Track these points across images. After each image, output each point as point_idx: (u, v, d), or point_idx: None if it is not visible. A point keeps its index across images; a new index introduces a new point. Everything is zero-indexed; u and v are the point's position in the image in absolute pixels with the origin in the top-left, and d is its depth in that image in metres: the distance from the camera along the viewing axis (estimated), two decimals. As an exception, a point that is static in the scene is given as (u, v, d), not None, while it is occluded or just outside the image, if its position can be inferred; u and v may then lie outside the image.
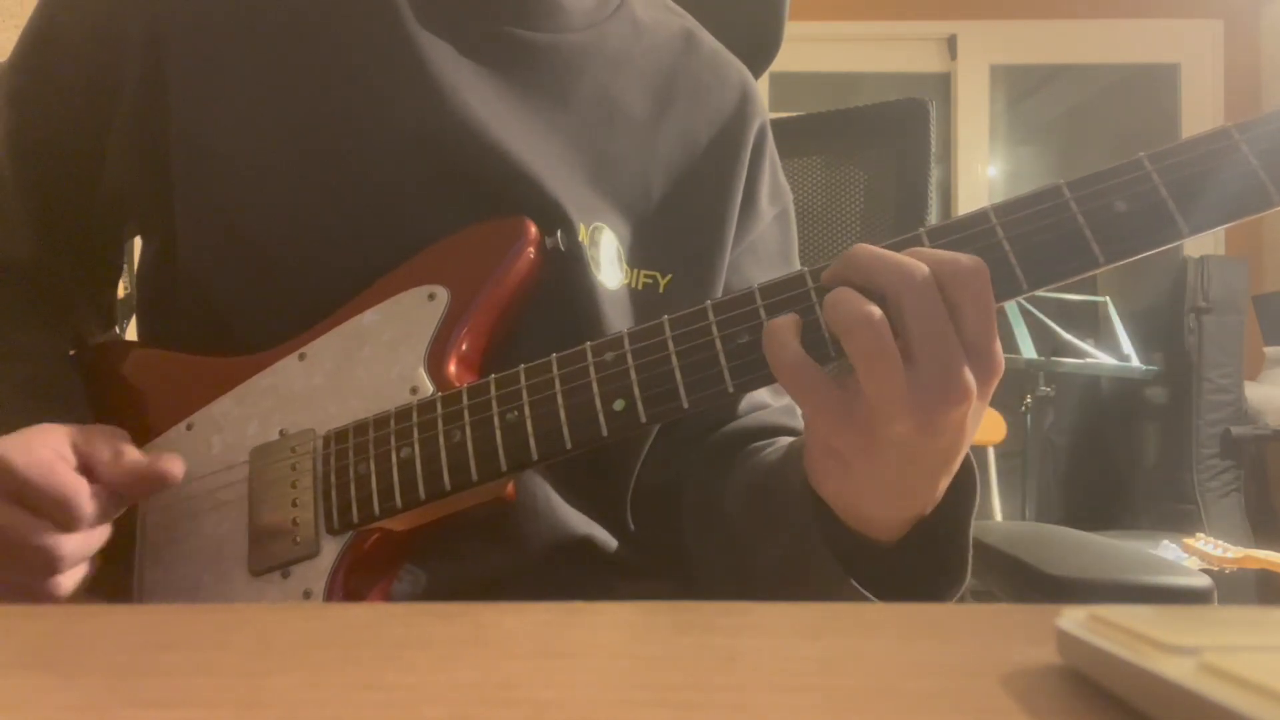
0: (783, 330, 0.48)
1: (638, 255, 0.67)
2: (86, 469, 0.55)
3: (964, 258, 0.46)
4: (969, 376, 0.45)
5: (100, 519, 0.55)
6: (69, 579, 0.55)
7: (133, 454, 0.57)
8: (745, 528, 0.63)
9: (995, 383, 0.46)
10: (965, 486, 0.53)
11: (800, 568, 0.57)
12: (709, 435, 0.70)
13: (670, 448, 0.69)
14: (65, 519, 0.53)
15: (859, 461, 0.48)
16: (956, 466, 0.50)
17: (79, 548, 0.54)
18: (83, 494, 0.54)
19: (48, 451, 0.54)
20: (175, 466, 0.57)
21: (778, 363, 0.48)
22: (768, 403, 0.71)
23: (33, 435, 0.55)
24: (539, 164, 0.64)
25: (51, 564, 0.53)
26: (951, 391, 0.44)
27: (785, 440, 0.68)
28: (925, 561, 0.53)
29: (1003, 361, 0.46)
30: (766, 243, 0.75)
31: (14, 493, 0.53)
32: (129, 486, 0.56)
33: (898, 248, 0.49)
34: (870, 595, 0.53)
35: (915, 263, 0.45)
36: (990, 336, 0.45)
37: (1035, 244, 0.48)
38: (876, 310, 0.45)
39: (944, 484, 0.51)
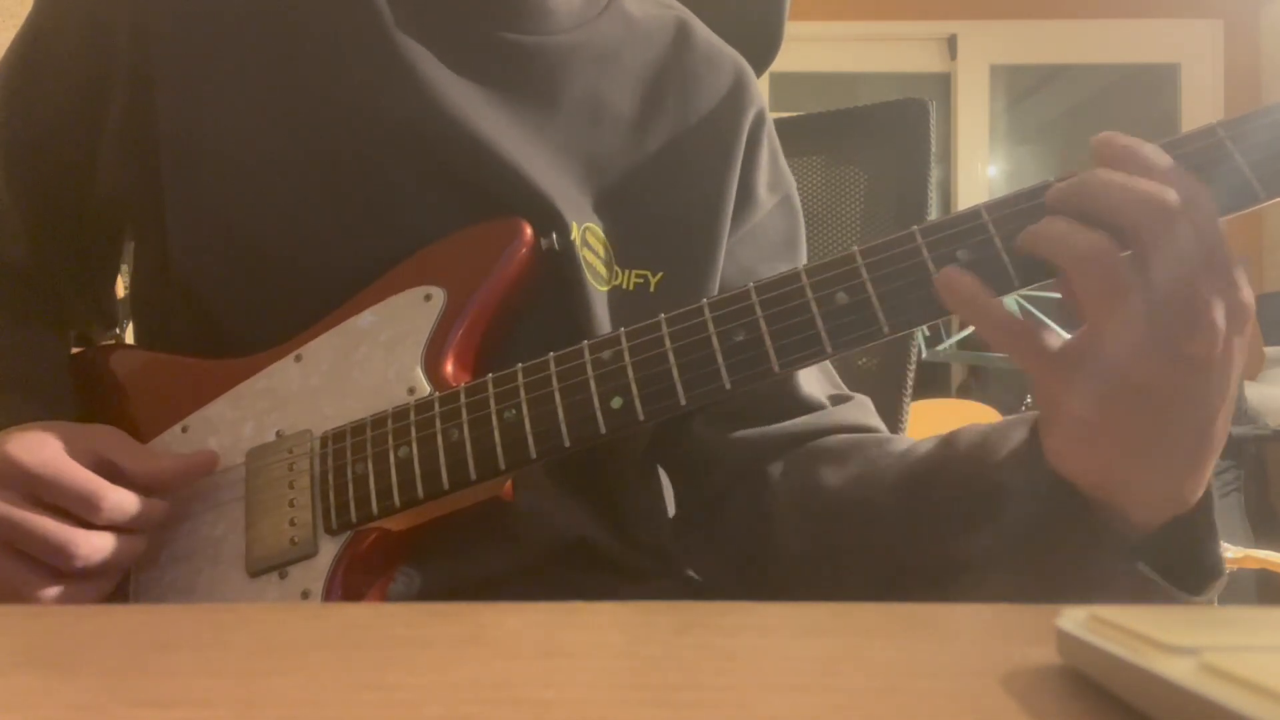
0: (974, 296, 0.45)
1: (628, 255, 0.66)
2: (102, 468, 0.55)
3: (1195, 183, 0.43)
4: (1216, 304, 0.41)
5: (123, 516, 0.54)
6: (90, 586, 0.54)
7: (155, 451, 0.57)
8: (907, 526, 0.58)
9: (1248, 314, 0.42)
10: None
11: (1027, 562, 0.52)
12: (777, 440, 0.67)
13: (726, 459, 0.68)
14: (87, 509, 0.53)
15: (1104, 419, 0.44)
16: (1218, 447, 0.45)
17: (99, 548, 0.53)
18: (103, 484, 0.53)
19: (56, 446, 0.54)
20: (211, 454, 0.58)
21: (989, 328, 0.45)
22: (823, 401, 0.69)
23: (35, 431, 0.54)
24: (531, 165, 0.63)
25: (68, 559, 0.52)
26: (1200, 319, 0.41)
27: (898, 439, 0.64)
28: (1182, 554, 0.48)
29: (1249, 293, 0.42)
30: (767, 231, 0.73)
31: (27, 491, 0.53)
32: (169, 476, 0.57)
33: (889, 247, 0.49)
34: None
35: (1166, 191, 0.42)
36: (1228, 259, 0.42)
37: None
38: (1108, 243, 0.42)
39: (1207, 467, 0.46)
